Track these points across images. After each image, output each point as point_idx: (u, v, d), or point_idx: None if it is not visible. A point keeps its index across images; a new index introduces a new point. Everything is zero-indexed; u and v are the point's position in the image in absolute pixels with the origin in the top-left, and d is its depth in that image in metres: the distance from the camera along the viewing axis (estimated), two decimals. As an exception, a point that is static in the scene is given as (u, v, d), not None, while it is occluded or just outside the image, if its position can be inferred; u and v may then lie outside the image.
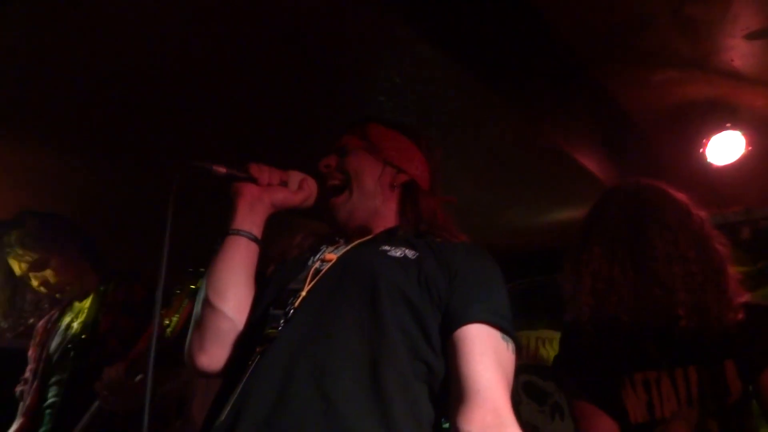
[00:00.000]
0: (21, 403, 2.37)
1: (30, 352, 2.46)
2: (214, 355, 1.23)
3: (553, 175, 2.92)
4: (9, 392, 2.44)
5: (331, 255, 1.29)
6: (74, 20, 1.79)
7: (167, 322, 1.97)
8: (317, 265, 1.27)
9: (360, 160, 1.41)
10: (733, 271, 1.56)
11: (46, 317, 2.53)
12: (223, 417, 1.06)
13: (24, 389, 2.39)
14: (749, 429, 1.55)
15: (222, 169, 1.32)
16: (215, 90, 2.18)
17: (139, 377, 2.09)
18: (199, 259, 1.42)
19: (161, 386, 2.18)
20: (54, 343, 2.39)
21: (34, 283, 2.43)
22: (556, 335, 3.66)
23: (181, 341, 1.30)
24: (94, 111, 2.26)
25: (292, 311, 1.17)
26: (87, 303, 2.42)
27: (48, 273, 2.41)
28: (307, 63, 2.05)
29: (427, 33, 1.94)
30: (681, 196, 1.65)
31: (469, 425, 1.03)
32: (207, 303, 1.25)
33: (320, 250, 1.36)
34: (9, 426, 2.35)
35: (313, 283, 1.22)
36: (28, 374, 2.42)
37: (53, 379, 2.32)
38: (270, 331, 1.14)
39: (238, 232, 1.29)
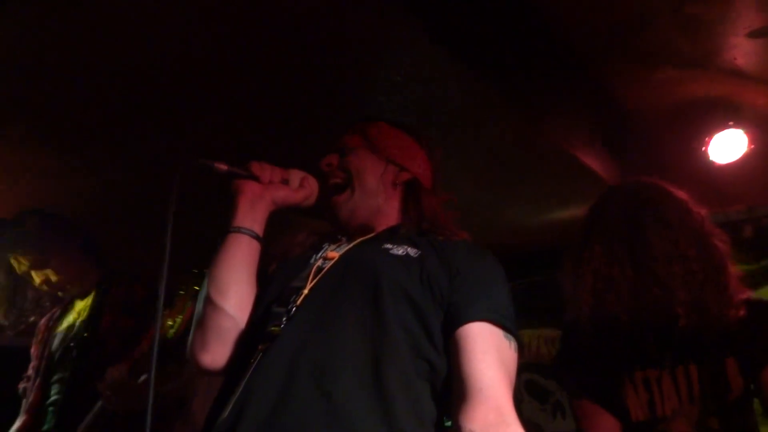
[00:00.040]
0: (24, 400, 2.38)
1: (32, 350, 2.46)
2: (216, 353, 1.22)
3: (554, 175, 2.92)
4: (11, 389, 2.45)
5: (334, 253, 1.29)
6: (74, 20, 1.79)
7: (170, 322, 1.97)
8: (319, 263, 1.27)
9: (362, 158, 1.41)
10: (734, 268, 1.56)
11: (48, 315, 2.53)
12: (225, 415, 1.06)
13: (27, 386, 2.39)
14: (750, 426, 1.55)
15: (223, 167, 1.32)
16: (216, 89, 2.18)
17: (142, 378, 2.09)
18: (201, 258, 1.41)
19: (162, 386, 2.18)
20: (56, 341, 2.39)
21: (36, 280, 2.43)
22: (557, 334, 3.66)
23: (184, 342, 1.30)
24: (95, 111, 2.27)
25: (294, 309, 1.16)
26: (88, 301, 2.42)
27: (49, 271, 2.41)
28: (307, 63, 2.05)
29: (427, 32, 1.94)
30: (681, 194, 1.65)
31: (472, 423, 1.02)
32: (209, 301, 1.25)
33: (322, 248, 1.35)
34: (12, 423, 2.35)
35: (315, 281, 1.22)
36: (30, 371, 2.42)
37: (56, 377, 2.32)
38: (272, 328, 1.13)
39: (239, 230, 1.29)
